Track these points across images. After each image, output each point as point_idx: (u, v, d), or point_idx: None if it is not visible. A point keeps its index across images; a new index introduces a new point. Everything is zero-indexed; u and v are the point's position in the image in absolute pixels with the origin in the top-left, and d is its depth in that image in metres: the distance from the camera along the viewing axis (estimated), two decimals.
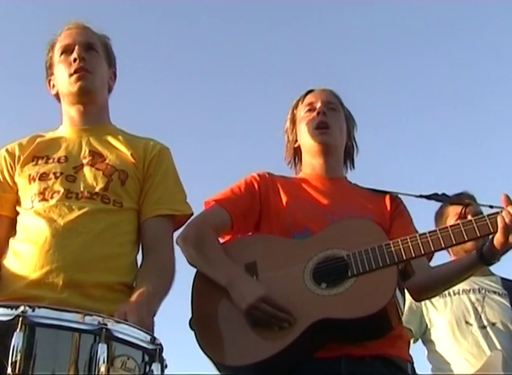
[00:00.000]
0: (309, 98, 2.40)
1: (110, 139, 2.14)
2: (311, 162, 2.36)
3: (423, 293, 2.19)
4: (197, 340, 1.96)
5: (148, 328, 1.60)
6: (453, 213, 3.00)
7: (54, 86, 2.24)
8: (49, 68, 2.24)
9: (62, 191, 1.96)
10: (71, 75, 2.12)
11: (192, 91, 7.32)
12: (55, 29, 2.27)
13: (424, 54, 7.00)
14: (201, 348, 1.93)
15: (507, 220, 1.87)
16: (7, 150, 2.13)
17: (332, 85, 2.48)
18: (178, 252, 2.09)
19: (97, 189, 1.97)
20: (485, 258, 1.98)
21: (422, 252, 1.92)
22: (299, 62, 6.87)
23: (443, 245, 1.92)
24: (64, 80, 2.15)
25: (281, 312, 1.87)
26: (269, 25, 7.11)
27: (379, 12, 6.76)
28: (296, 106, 2.44)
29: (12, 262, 1.90)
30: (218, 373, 1.94)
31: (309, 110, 2.36)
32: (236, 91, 7.48)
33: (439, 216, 3.10)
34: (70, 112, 2.19)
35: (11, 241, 1.97)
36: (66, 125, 2.21)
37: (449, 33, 6.97)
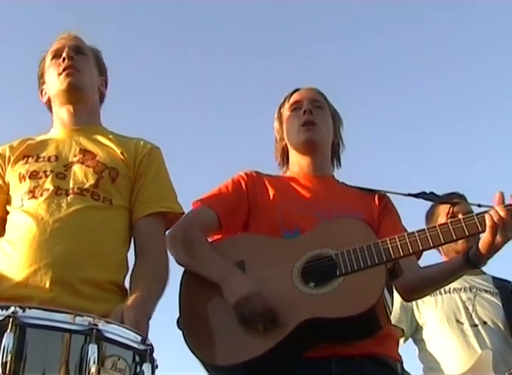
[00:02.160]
0: (295, 97, 2.41)
1: (100, 138, 2.15)
2: (298, 161, 2.36)
3: (412, 293, 2.19)
4: (185, 339, 1.95)
5: (144, 332, 1.60)
6: (443, 212, 3.00)
7: (45, 93, 2.27)
8: (41, 77, 2.28)
9: (51, 188, 1.96)
10: (60, 74, 2.16)
11: (186, 90, 7.33)
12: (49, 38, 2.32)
13: (421, 54, 7.04)
14: (189, 348, 1.93)
15: (495, 219, 1.86)
16: None
17: (325, 84, 2.51)
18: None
19: (87, 185, 1.97)
20: (471, 261, 1.97)
21: (411, 251, 1.92)
22: (296, 60, 6.90)
23: (432, 244, 1.92)
24: (54, 80, 2.19)
25: (268, 313, 1.86)
26: (268, 24, 7.14)
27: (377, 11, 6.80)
28: (282, 105, 2.45)
29: (0, 262, 1.89)
30: (206, 373, 1.93)
31: (295, 109, 2.37)
32: (231, 90, 7.49)
33: (430, 215, 3.11)
34: (61, 114, 2.21)
35: (0, 240, 1.97)
36: (57, 127, 2.23)
37: (448, 32, 7.01)
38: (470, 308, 2.91)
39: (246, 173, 2.31)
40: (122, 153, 2.09)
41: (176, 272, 2.08)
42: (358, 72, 7.07)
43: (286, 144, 2.41)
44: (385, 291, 1.87)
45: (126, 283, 1.96)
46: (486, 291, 2.98)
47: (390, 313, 1.93)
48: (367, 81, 7.13)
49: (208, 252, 2.08)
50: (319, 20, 6.97)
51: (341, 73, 7.09)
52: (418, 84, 7.14)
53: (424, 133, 7.00)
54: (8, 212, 2.01)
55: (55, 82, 2.18)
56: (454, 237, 1.91)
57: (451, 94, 6.98)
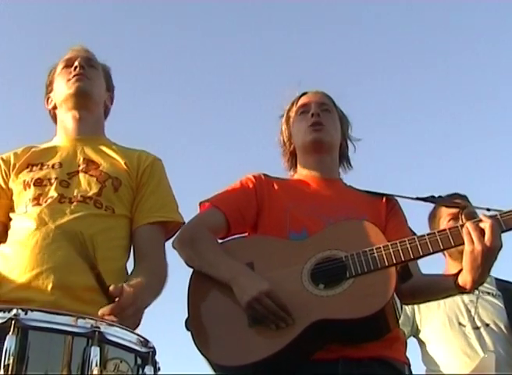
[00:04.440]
0: (302, 100, 2.42)
1: (104, 148, 2.18)
2: (306, 162, 2.36)
3: (404, 298, 2.08)
4: (194, 340, 1.94)
5: (139, 311, 1.64)
6: (445, 214, 3.00)
7: (51, 101, 2.29)
8: (49, 85, 2.31)
9: (55, 195, 1.97)
10: (69, 80, 2.19)
11: (187, 96, 7.33)
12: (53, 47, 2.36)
13: (421, 55, 7.04)
14: (197, 348, 1.92)
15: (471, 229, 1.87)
16: (2, 158, 2.16)
17: (329, 86, 2.51)
18: (172, 257, 2.10)
19: (90, 193, 2.00)
20: (460, 285, 1.95)
21: (421, 254, 1.92)
22: (296, 64, 6.89)
23: (442, 247, 1.92)
24: (62, 85, 2.22)
25: (282, 311, 1.86)
26: (263, 28, 7.15)
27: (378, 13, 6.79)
28: (290, 109, 2.45)
29: (1, 265, 1.89)
30: (213, 373, 1.92)
31: (303, 112, 2.37)
32: (235, 94, 7.50)
33: (432, 217, 3.10)
34: (66, 120, 2.23)
35: (1, 245, 1.97)
36: (61, 135, 2.25)
37: (447, 34, 7.01)
38: (472, 310, 2.90)
39: (254, 176, 2.31)
40: (125, 164, 2.11)
41: (183, 275, 2.09)
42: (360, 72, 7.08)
43: (293, 148, 2.41)
44: (395, 294, 1.86)
45: None
46: (489, 294, 2.97)
47: (400, 316, 1.92)
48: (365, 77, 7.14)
49: (217, 253, 2.07)
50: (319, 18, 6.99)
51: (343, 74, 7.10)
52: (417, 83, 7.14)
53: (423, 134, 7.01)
54: (10, 219, 2.02)
55: (63, 87, 2.21)
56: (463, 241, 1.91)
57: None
